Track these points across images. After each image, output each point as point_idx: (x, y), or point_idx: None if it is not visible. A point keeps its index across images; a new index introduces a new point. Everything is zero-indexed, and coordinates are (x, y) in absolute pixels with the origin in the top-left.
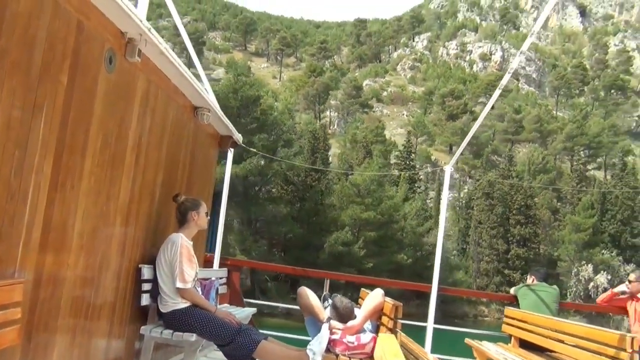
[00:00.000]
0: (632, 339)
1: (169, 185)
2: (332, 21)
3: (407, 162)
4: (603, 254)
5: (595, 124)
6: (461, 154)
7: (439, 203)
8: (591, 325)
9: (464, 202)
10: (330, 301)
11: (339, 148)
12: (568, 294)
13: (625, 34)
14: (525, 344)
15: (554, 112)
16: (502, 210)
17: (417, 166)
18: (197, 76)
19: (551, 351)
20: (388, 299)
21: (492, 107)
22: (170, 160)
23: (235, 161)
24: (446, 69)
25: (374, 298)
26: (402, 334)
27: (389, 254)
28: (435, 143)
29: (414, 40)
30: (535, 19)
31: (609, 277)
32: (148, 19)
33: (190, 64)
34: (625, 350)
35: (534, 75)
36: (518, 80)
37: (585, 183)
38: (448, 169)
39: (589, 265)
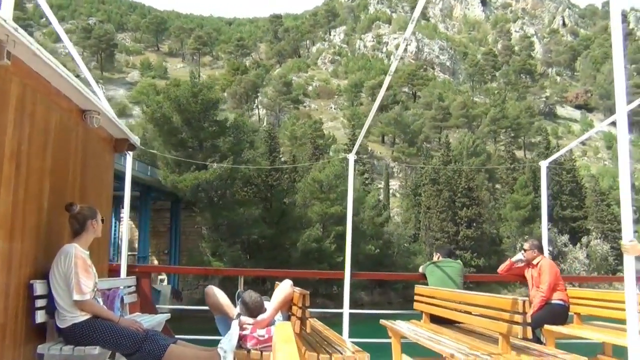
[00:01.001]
0: (524, 301)
1: (59, 194)
2: (243, 18)
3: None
4: (549, 227)
5: (513, 107)
6: (396, 143)
7: (388, 193)
8: (490, 294)
9: (410, 189)
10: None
11: (280, 145)
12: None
13: (523, 20)
14: (435, 319)
15: (472, 98)
16: (449, 194)
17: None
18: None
19: (459, 322)
20: (297, 289)
21: (419, 97)
22: (57, 168)
23: (200, 168)
24: (366, 61)
25: (282, 289)
26: (317, 321)
27: (356, 246)
28: (370, 134)
29: (330, 34)
30: (441, 10)
31: (550, 248)
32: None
33: (103, 67)
34: (519, 312)
35: (448, 64)
36: (433, 69)
37: (517, 163)
38: (351, 157)
39: (531, 240)
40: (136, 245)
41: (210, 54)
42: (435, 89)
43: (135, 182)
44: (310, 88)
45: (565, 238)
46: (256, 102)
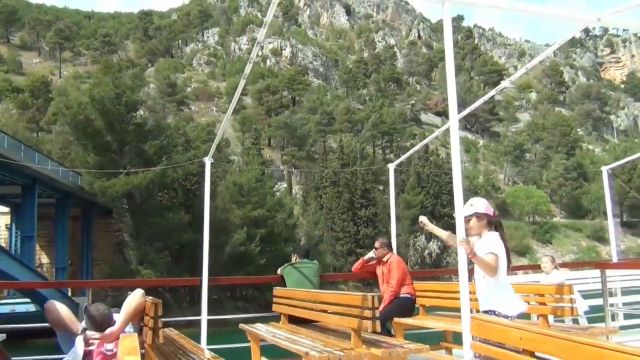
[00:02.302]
0: (373, 297)
1: None
2: (104, 12)
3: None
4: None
5: (389, 113)
6: (286, 147)
7: (291, 196)
8: (342, 291)
9: (312, 192)
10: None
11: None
12: (409, 262)
13: (385, 31)
14: (294, 319)
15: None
16: (348, 196)
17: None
18: None
19: (316, 321)
20: (148, 298)
21: (299, 101)
22: None
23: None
24: (243, 64)
25: (133, 299)
26: (173, 330)
27: (276, 249)
28: (262, 138)
29: (203, 35)
30: (309, 17)
31: (439, 243)
32: None
33: None
34: (369, 308)
35: (321, 70)
36: (308, 74)
37: (404, 166)
38: (208, 160)
39: (422, 236)
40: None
41: (72, 49)
42: (312, 94)
43: (54, 187)
44: (189, 89)
45: (447, 233)
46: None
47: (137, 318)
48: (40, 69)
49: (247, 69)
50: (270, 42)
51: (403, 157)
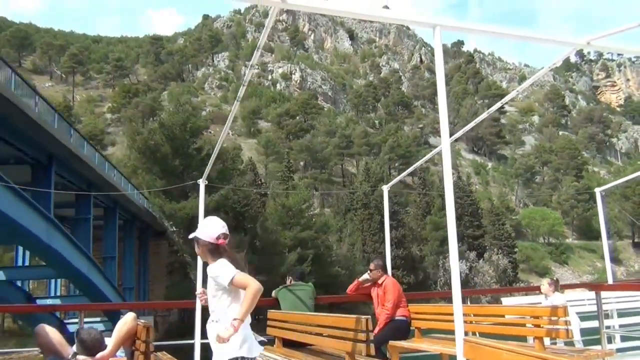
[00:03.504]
0: (366, 320)
1: None
2: (111, 37)
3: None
4: (460, 245)
5: (403, 136)
6: (309, 169)
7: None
8: (337, 314)
9: (342, 214)
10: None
11: None
12: (438, 282)
13: (388, 56)
14: (289, 343)
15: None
16: (379, 217)
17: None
18: None
19: (311, 345)
20: (141, 321)
21: (312, 125)
22: None
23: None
24: (254, 89)
25: (124, 323)
26: (166, 354)
27: (322, 269)
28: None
29: (213, 60)
30: (313, 41)
31: (469, 264)
32: None
33: None
34: (362, 331)
35: (330, 94)
36: (317, 98)
37: (428, 188)
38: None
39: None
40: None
41: (84, 73)
42: (324, 118)
43: (128, 210)
44: (203, 113)
45: (473, 254)
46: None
47: (129, 342)
48: (53, 93)
49: (241, 92)
50: (280, 67)
51: (396, 180)
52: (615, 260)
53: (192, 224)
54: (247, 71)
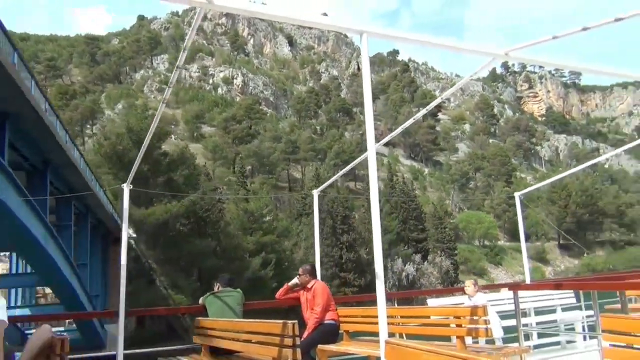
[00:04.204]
0: (292, 324)
1: None
2: (40, 34)
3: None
4: (406, 248)
5: (346, 143)
6: (257, 174)
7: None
8: (264, 320)
9: (294, 218)
10: None
11: None
12: (387, 284)
13: (327, 62)
14: (216, 351)
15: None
16: (331, 222)
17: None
18: None
19: (238, 352)
20: (57, 334)
21: (256, 130)
22: None
23: (149, 202)
24: (196, 92)
25: (37, 336)
26: None
27: (284, 273)
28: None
29: (152, 62)
30: (253, 46)
31: (415, 266)
32: None
33: None
34: (288, 336)
35: (271, 99)
36: (260, 103)
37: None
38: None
39: (399, 259)
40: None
41: None
42: (267, 123)
43: (97, 216)
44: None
45: (418, 257)
46: (93, 129)
47: (43, 356)
48: None
49: (167, 93)
50: (221, 71)
51: (326, 184)
52: (543, 260)
53: (161, 230)
54: (174, 74)
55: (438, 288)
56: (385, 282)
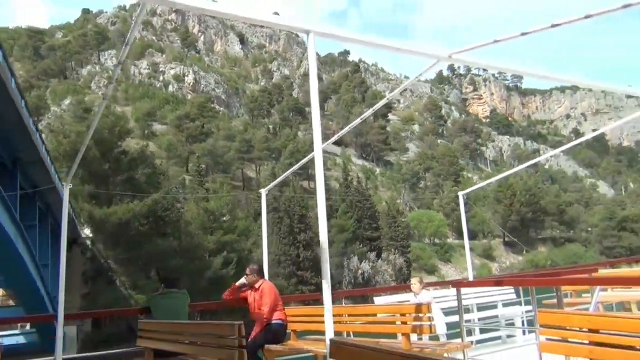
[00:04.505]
0: (239, 325)
1: None
2: None
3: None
4: (361, 247)
5: (300, 142)
6: (211, 174)
7: None
8: (211, 321)
9: (252, 217)
10: None
11: None
12: (343, 282)
13: (278, 62)
14: (161, 354)
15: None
16: (288, 221)
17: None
18: None
19: (184, 354)
20: None
21: (210, 129)
22: None
23: (109, 202)
24: (146, 89)
25: None
26: None
27: (243, 272)
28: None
29: (99, 57)
30: (204, 43)
31: (370, 264)
32: None
33: None
34: (233, 336)
35: (223, 97)
36: (212, 102)
37: (327, 192)
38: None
39: (355, 257)
40: None
41: None
42: (219, 121)
43: (56, 217)
44: (92, 113)
45: (373, 255)
46: (39, 126)
47: None
48: None
49: (109, 90)
50: (172, 68)
51: (273, 184)
52: (490, 257)
53: (122, 230)
54: (116, 69)
55: (392, 285)
56: (342, 280)
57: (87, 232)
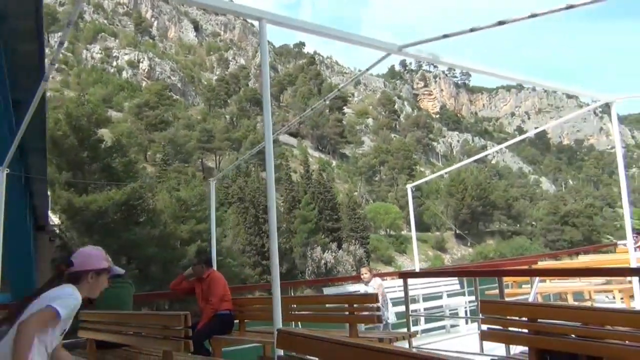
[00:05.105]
0: (185, 315)
1: None
2: None
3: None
4: (323, 237)
5: (261, 133)
6: (172, 163)
7: None
8: (157, 311)
9: (217, 206)
10: None
11: None
12: (306, 271)
13: (234, 51)
14: (103, 345)
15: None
16: (254, 211)
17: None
18: None
19: (128, 346)
20: None
21: (169, 118)
22: None
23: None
24: (99, 74)
25: None
26: None
27: (220, 262)
28: (148, 154)
29: (49, 40)
30: (157, 29)
31: (333, 254)
32: None
33: None
34: (179, 327)
35: (179, 85)
36: (170, 90)
37: (290, 183)
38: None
39: (318, 247)
40: None
41: None
42: (176, 110)
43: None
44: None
45: (334, 245)
46: None
47: None
48: None
49: (49, 71)
50: (126, 54)
51: (221, 174)
52: (442, 249)
53: (97, 218)
54: (57, 50)
55: (353, 275)
56: (305, 270)
57: (55, 219)
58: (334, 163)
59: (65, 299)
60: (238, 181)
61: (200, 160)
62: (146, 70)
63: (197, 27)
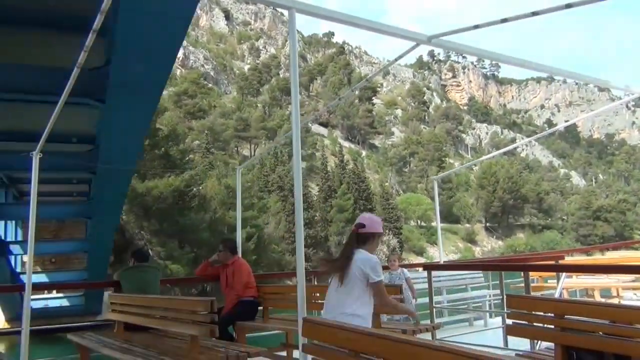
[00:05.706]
0: (210, 301)
1: None
2: None
3: None
4: None
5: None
6: (213, 152)
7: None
8: (182, 297)
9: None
10: None
11: None
12: None
13: (264, 40)
14: (131, 327)
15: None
16: (292, 199)
17: None
18: None
19: (155, 329)
20: None
21: (205, 106)
22: None
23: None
24: None
25: None
26: None
27: (263, 247)
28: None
29: None
30: None
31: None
32: None
33: None
34: (205, 312)
35: (212, 74)
36: (206, 79)
37: (326, 173)
38: None
39: None
40: None
41: None
42: (211, 98)
43: None
44: None
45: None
46: None
47: None
48: None
49: (82, 58)
50: None
51: (248, 162)
52: (472, 241)
53: (156, 203)
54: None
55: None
56: None
57: None
58: (364, 153)
59: (378, 267)
60: (277, 170)
61: (236, 148)
62: (180, 58)
63: (227, 16)
